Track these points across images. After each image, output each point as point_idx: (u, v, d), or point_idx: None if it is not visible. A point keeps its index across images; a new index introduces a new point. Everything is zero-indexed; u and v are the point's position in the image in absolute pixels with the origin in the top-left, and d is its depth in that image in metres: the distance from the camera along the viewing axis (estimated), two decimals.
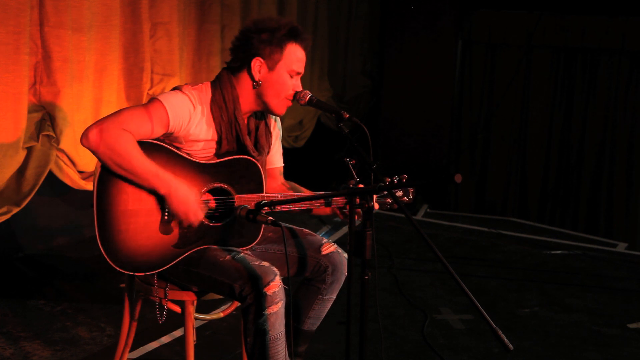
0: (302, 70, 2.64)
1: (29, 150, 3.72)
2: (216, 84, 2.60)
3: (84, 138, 2.39)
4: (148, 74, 4.34)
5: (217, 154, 2.59)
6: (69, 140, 3.86)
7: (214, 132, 2.57)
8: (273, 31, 2.55)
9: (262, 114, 2.72)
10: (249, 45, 2.56)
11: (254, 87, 2.59)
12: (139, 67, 4.26)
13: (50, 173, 3.87)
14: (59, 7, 3.70)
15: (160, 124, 2.47)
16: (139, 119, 2.44)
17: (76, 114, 3.91)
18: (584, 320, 4.04)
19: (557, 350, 3.66)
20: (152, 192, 2.46)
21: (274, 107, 2.62)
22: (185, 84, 2.61)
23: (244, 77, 2.60)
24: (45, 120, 3.78)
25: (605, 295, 4.44)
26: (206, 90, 2.58)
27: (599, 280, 4.72)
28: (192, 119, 2.52)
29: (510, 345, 2.03)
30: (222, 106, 2.56)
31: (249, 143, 2.62)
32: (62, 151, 3.87)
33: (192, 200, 2.45)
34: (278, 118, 2.82)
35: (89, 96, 4.00)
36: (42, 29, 3.70)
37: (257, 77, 2.57)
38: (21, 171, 3.71)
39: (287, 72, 2.58)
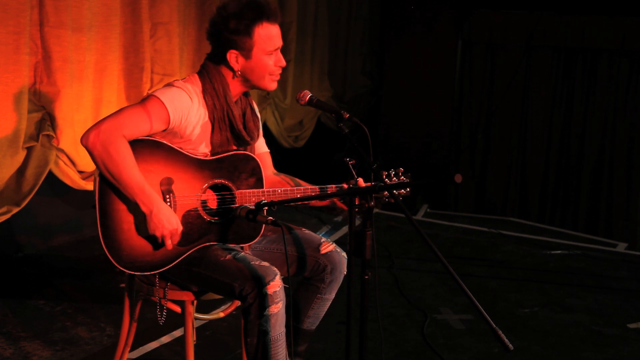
0: (278, 45, 2.60)
1: (29, 150, 3.72)
2: (203, 74, 2.60)
3: (84, 138, 2.41)
4: (148, 74, 4.33)
5: (212, 144, 2.59)
6: (69, 140, 3.86)
7: (207, 121, 2.58)
8: (238, 17, 2.52)
9: (246, 98, 2.72)
10: (221, 39, 2.56)
11: (234, 77, 2.60)
12: (139, 67, 4.26)
13: (50, 173, 3.87)
14: (59, 7, 3.70)
15: (160, 121, 2.48)
16: (137, 118, 2.45)
17: (76, 114, 3.91)
18: (584, 320, 4.04)
19: (557, 350, 3.66)
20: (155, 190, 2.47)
21: (263, 86, 2.62)
22: (175, 80, 2.61)
23: (225, 67, 2.60)
24: (45, 120, 3.78)
25: (605, 295, 4.44)
26: (195, 82, 2.60)
27: (599, 280, 4.71)
28: (191, 110, 2.53)
29: (510, 345, 2.03)
30: (214, 95, 2.57)
31: (242, 129, 2.63)
32: (62, 151, 3.87)
33: (172, 224, 2.45)
34: (255, 105, 2.82)
35: (89, 96, 4.00)
36: (42, 29, 3.69)
37: (236, 67, 2.58)
38: (21, 171, 3.71)
39: (264, 54, 2.57)
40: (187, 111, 2.52)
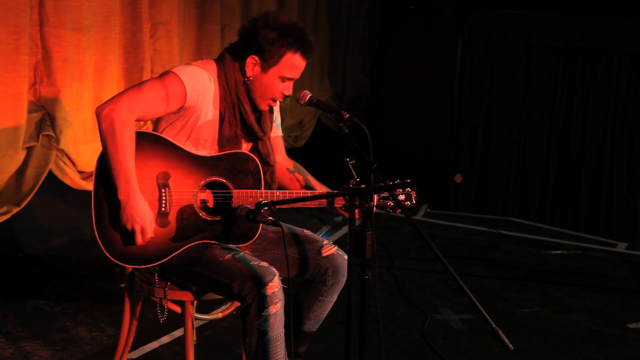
0: (295, 77, 2.63)
1: (29, 150, 3.72)
2: (220, 64, 2.61)
3: (99, 108, 2.42)
4: (148, 74, 4.33)
5: (220, 137, 2.59)
6: (69, 140, 3.86)
7: (217, 112, 2.58)
8: (281, 34, 2.54)
9: None
10: (253, 40, 2.56)
11: (243, 83, 2.60)
12: (139, 67, 4.26)
13: (50, 173, 3.87)
14: (59, 7, 3.70)
15: (176, 98, 2.49)
16: (154, 95, 2.46)
17: (76, 114, 3.91)
18: (584, 320, 4.04)
19: (557, 350, 3.66)
20: (151, 184, 2.48)
21: (257, 103, 2.64)
22: (193, 61, 2.63)
23: (241, 67, 2.61)
24: (45, 120, 3.78)
25: (605, 295, 4.44)
26: (212, 67, 2.60)
27: (599, 280, 4.71)
28: (207, 91, 2.54)
29: (510, 345, 2.03)
30: (225, 88, 2.58)
31: (255, 123, 2.63)
32: (62, 151, 3.86)
33: (145, 218, 2.45)
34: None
35: (89, 96, 4.00)
36: (42, 29, 3.69)
37: (249, 73, 2.59)
38: (21, 171, 3.71)
39: (278, 77, 2.58)
40: (204, 91, 2.53)
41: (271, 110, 2.75)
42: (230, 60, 2.61)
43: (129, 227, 2.44)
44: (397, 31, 7.00)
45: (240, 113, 2.60)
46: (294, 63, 2.58)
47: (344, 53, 6.75)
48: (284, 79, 2.59)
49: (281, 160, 2.84)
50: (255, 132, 2.63)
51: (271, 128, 2.76)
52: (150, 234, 2.47)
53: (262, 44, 2.54)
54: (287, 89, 2.62)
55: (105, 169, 2.46)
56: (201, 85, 2.53)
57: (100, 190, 2.48)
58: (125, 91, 2.48)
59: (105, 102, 2.44)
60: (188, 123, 2.56)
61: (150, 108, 2.46)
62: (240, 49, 2.61)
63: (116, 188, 2.42)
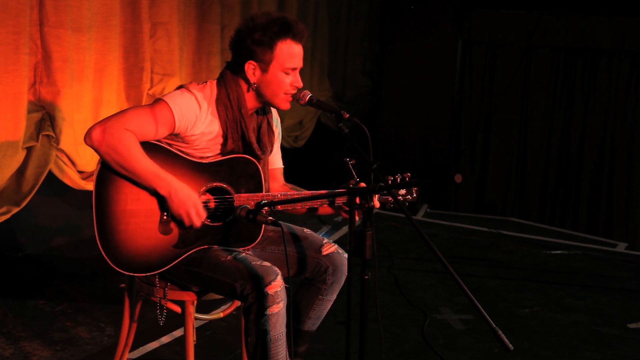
0: (298, 65, 2.59)
1: (29, 150, 3.72)
2: (221, 82, 2.60)
3: (87, 137, 2.41)
4: (148, 74, 4.34)
5: (222, 153, 2.59)
6: (69, 140, 3.86)
7: (219, 130, 2.57)
8: (264, 29, 2.51)
9: (264, 110, 2.72)
10: (243, 48, 2.54)
11: (250, 90, 2.59)
12: (139, 67, 4.26)
13: (50, 173, 3.87)
14: (59, 7, 3.70)
15: (165, 125, 2.47)
16: (143, 119, 2.45)
17: (76, 114, 3.91)
18: (584, 320, 4.04)
19: (557, 350, 3.66)
20: (152, 192, 2.47)
21: (276, 104, 2.61)
22: (191, 82, 2.61)
23: (242, 78, 2.59)
24: (45, 120, 3.78)
25: (605, 295, 4.44)
26: (212, 88, 2.59)
27: (599, 280, 4.72)
28: (198, 118, 2.53)
29: (510, 345, 2.03)
30: (227, 105, 2.56)
31: (255, 141, 2.62)
32: (62, 151, 3.87)
33: (193, 200, 2.46)
34: (278, 120, 2.83)
35: (89, 96, 4.00)
36: (42, 29, 3.70)
37: (252, 79, 2.57)
38: (21, 171, 3.71)
39: (281, 71, 2.55)
40: (194, 119, 2.51)
41: (271, 131, 2.74)
42: (230, 76, 2.59)
43: (182, 213, 2.44)
44: (397, 31, 7.00)
45: (242, 128, 2.59)
46: (289, 51, 2.55)
47: (344, 53, 6.75)
48: (287, 71, 2.57)
49: (278, 186, 2.83)
50: (253, 149, 2.62)
51: (271, 151, 2.75)
52: (203, 212, 2.48)
53: (252, 48, 2.52)
54: (296, 80, 2.59)
55: (104, 180, 2.45)
56: (191, 114, 2.51)
57: (101, 200, 2.46)
58: (109, 116, 2.46)
59: (90, 129, 2.41)
60: (184, 143, 2.56)
61: (138, 127, 2.43)
62: (236, 61, 2.59)
63: (154, 189, 2.44)
